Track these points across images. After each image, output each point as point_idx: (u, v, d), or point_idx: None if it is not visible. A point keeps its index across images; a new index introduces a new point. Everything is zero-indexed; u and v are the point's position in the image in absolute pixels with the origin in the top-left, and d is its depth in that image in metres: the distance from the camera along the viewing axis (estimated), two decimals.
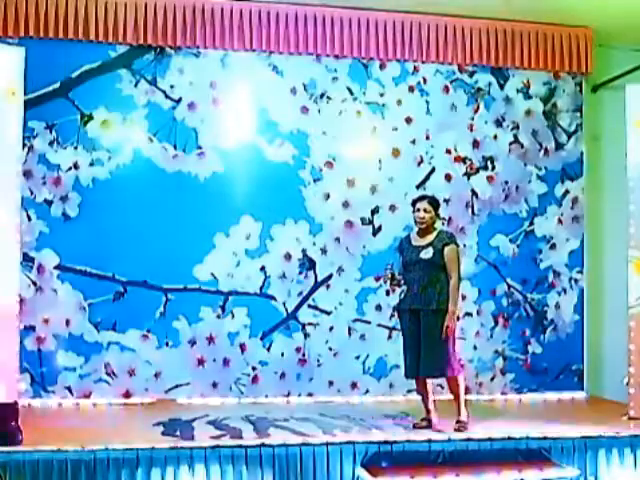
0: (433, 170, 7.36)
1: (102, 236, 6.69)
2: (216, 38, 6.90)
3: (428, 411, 5.71)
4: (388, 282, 5.79)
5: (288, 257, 7.06)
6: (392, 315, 7.15)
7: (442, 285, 5.56)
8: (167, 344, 6.80)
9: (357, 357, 7.14)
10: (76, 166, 6.73)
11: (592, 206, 7.62)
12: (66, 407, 6.46)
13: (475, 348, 7.32)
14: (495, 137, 7.49)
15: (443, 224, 7.08)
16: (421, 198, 5.77)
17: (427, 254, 5.59)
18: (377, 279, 7.16)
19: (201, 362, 6.85)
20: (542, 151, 7.58)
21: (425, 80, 7.37)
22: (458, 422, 5.53)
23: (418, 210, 5.67)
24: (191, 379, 6.82)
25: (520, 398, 7.27)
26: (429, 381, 5.71)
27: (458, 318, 5.71)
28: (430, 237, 5.66)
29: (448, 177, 7.38)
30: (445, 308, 5.51)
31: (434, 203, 5.72)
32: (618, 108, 6.46)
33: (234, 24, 6.91)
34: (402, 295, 5.72)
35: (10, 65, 5.41)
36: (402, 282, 5.69)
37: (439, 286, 5.56)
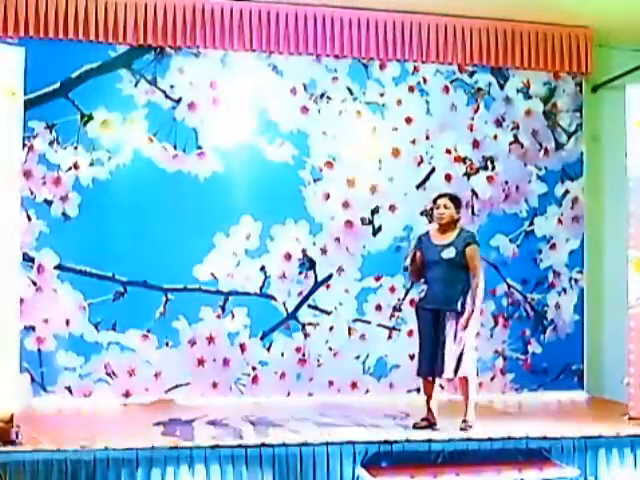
0: (433, 170, 7.36)
1: (102, 236, 6.69)
2: (216, 38, 6.89)
3: (429, 411, 5.70)
4: (409, 259, 5.67)
5: (288, 257, 7.06)
6: (392, 315, 7.17)
7: (464, 285, 5.54)
8: (167, 344, 6.80)
9: (357, 357, 7.14)
10: (76, 166, 6.73)
11: (592, 206, 7.62)
12: (66, 407, 6.45)
13: (475, 348, 7.30)
14: (495, 137, 7.49)
15: None
16: (442, 195, 5.79)
17: (449, 254, 5.55)
18: (377, 279, 7.16)
19: (201, 362, 6.85)
20: (542, 151, 7.57)
21: (425, 80, 7.37)
22: (465, 422, 5.53)
23: (438, 207, 5.67)
24: (191, 379, 6.82)
25: (520, 398, 7.26)
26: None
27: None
28: (451, 236, 5.62)
29: (448, 177, 7.37)
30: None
31: (455, 200, 5.72)
32: (618, 108, 6.45)
33: (234, 24, 6.91)
34: (422, 294, 5.68)
35: (10, 65, 5.42)
36: (422, 266, 5.63)
37: (461, 286, 5.54)
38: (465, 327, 5.47)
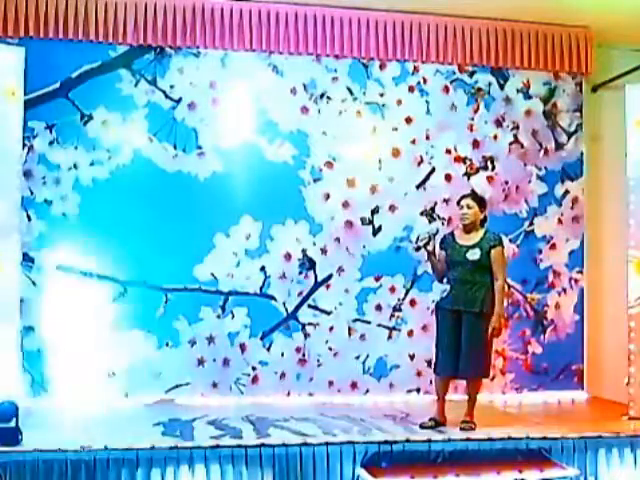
0: (433, 170, 7.36)
1: (102, 236, 6.68)
2: (216, 38, 6.89)
3: (440, 411, 5.67)
4: (422, 242, 5.63)
5: (288, 257, 7.06)
6: (392, 315, 7.17)
7: (487, 287, 5.54)
8: (167, 344, 6.80)
9: (357, 357, 7.13)
10: (76, 166, 6.73)
11: (592, 206, 7.62)
12: (66, 407, 6.45)
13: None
14: (495, 137, 7.48)
15: (443, 224, 7.08)
16: (465, 195, 5.80)
17: (474, 255, 5.55)
18: (377, 279, 7.16)
19: (201, 362, 6.85)
20: (542, 151, 7.57)
21: (425, 80, 7.36)
22: (466, 422, 5.53)
23: (462, 207, 5.67)
24: (191, 379, 6.82)
25: (520, 398, 7.27)
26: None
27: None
28: (476, 237, 5.62)
29: (448, 177, 7.37)
30: (488, 311, 5.51)
31: (477, 200, 5.72)
32: (618, 108, 6.46)
33: (234, 24, 6.90)
34: (444, 294, 5.69)
35: (10, 65, 5.43)
36: (435, 253, 5.65)
37: (485, 288, 5.54)
38: (493, 328, 5.47)
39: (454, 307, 5.59)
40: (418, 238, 5.73)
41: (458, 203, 5.76)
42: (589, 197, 7.62)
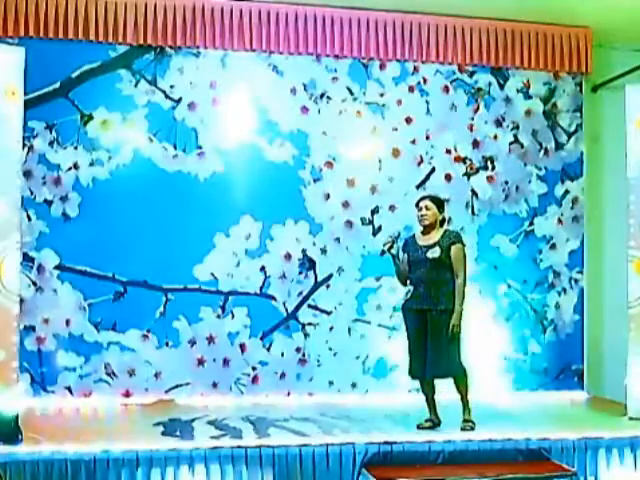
0: (433, 170, 7.36)
1: (102, 236, 6.68)
2: (216, 38, 6.89)
3: (432, 411, 5.69)
4: (386, 246, 5.65)
5: (288, 257, 7.06)
6: (392, 315, 7.15)
7: (450, 285, 5.54)
8: (167, 344, 6.80)
9: (357, 357, 7.14)
10: (76, 166, 6.73)
11: (592, 206, 7.62)
12: (66, 407, 6.45)
13: (473, 347, 7.29)
14: (495, 137, 7.49)
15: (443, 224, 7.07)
16: (423, 197, 5.80)
17: (434, 253, 5.56)
18: (377, 279, 7.16)
19: (201, 362, 6.85)
20: (542, 151, 7.57)
21: (425, 80, 7.37)
22: (466, 421, 5.53)
23: (420, 209, 5.68)
24: (191, 379, 6.82)
25: (520, 398, 7.26)
26: (436, 381, 5.72)
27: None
28: (436, 236, 5.63)
29: (448, 177, 7.37)
30: (453, 308, 5.50)
31: (435, 201, 5.73)
32: (618, 108, 6.46)
33: (234, 24, 6.91)
34: (408, 295, 5.67)
35: (10, 65, 5.42)
36: (399, 257, 5.66)
37: (447, 286, 5.53)
38: (453, 325, 5.45)
39: (419, 307, 5.58)
40: (385, 244, 5.74)
41: (417, 205, 5.76)
42: (589, 197, 7.62)
